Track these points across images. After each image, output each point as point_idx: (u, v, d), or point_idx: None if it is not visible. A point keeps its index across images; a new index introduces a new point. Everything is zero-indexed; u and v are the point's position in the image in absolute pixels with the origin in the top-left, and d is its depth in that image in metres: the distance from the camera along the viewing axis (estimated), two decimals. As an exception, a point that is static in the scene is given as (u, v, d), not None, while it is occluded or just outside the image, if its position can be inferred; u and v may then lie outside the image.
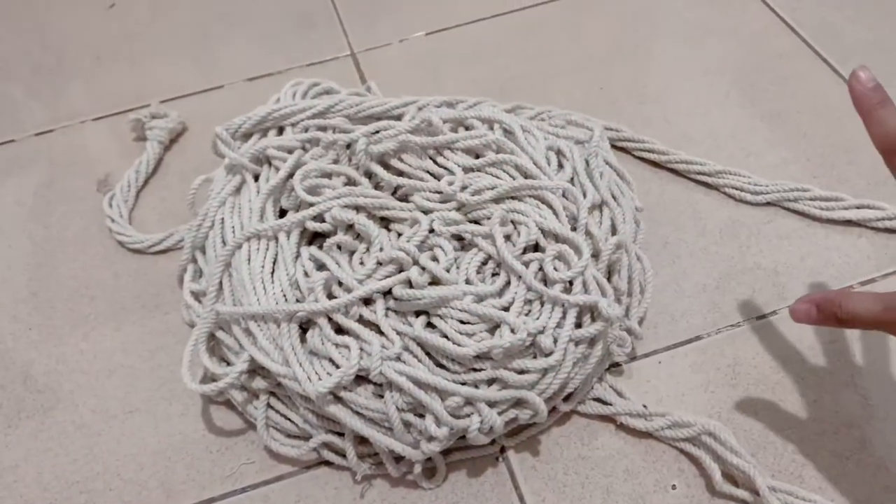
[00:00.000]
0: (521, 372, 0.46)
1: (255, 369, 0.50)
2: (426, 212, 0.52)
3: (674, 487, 0.48)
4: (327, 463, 0.50)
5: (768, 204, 0.62)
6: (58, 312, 0.60)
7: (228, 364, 0.51)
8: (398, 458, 0.49)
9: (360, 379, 0.47)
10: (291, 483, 0.50)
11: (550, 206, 0.51)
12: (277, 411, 0.51)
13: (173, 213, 0.66)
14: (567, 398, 0.50)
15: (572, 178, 0.54)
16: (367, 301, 0.49)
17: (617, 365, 0.54)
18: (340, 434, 0.49)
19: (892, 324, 0.39)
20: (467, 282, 0.48)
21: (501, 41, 0.79)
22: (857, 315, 0.40)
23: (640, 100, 0.71)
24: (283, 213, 0.55)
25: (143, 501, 0.50)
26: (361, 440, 0.49)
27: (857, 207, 0.60)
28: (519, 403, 0.47)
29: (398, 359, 0.46)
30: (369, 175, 0.55)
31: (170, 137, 0.71)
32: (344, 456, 0.49)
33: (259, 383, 0.50)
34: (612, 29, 0.79)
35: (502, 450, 0.50)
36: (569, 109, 0.67)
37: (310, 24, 0.82)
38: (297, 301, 0.49)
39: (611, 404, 0.51)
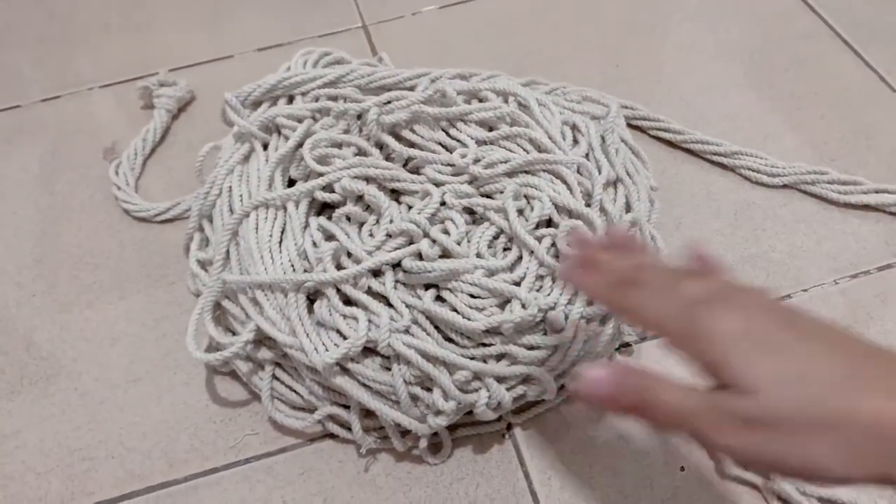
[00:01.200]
0: (531, 348, 0.45)
1: (261, 339, 0.49)
2: (438, 184, 0.51)
3: (682, 469, 0.47)
4: (332, 436, 0.50)
5: (785, 186, 0.61)
6: (62, 280, 0.59)
7: (234, 335, 0.51)
8: (404, 433, 0.48)
9: (368, 351, 0.46)
10: (295, 455, 0.49)
11: (565, 181, 0.50)
12: (283, 382, 0.50)
13: (180, 182, 0.65)
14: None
15: (587, 154, 0.53)
16: (376, 273, 0.48)
17: (627, 345, 0.53)
18: (346, 407, 0.48)
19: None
20: (478, 255, 0.48)
21: (516, 16, 0.77)
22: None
23: (656, 79, 0.70)
24: (291, 183, 0.54)
25: (146, 470, 0.49)
26: (367, 413, 0.48)
27: (876, 192, 0.59)
28: (527, 380, 0.46)
29: (407, 331, 0.45)
30: (380, 146, 0.54)
31: (178, 106, 0.70)
32: (349, 429, 0.48)
33: (265, 354, 0.49)
34: (629, 7, 0.77)
35: (509, 427, 0.50)
36: (584, 87, 0.66)
37: (321, -4, 0.81)
38: (305, 271, 0.48)
39: (620, 384, 0.50)
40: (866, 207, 0.59)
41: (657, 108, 0.66)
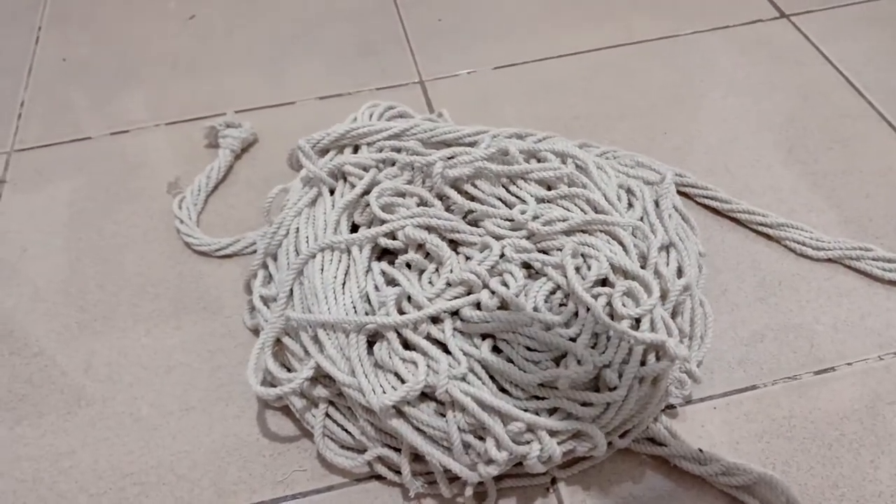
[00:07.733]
0: (584, 404, 0.46)
1: (317, 377, 0.51)
2: (497, 238, 0.53)
3: (726, 534, 0.48)
4: (379, 477, 0.51)
5: (829, 260, 0.62)
6: (122, 306, 0.61)
7: (289, 371, 0.52)
8: (451, 479, 0.49)
9: (424, 396, 0.47)
10: (342, 494, 0.50)
11: (621, 243, 0.52)
12: (335, 421, 0.51)
13: (239, 219, 0.68)
14: (623, 435, 0.50)
15: (642, 217, 0.55)
16: (435, 320, 0.49)
17: (672, 407, 0.54)
18: (396, 449, 0.49)
19: None
20: (535, 309, 0.49)
21: (567, 80, 0.80)
22: None
23: (703, 148, 0.72)
24: (354, 229, 0.57)
25: (195, 499, 0.50)
26: (416, 457, 0.49)
27: (920, 271, 0.60)
28: (577, 435, 0.47)
29: (464, 379, 0.46)
30: (441, 198, 0.56)
31: (241, 147, 0.73)
32: (397, 472, 0.49)
33: (320, 391, 0.51)
34: (678, 77, 0.80)
35: (553, 481, 0.50)
36: (632, 151, 0.68)
37: (381, 51, 0.85)
38: (366, 313, 0.50)
39: (665, 445, 0.51)
40: (911, 286, 0.60)
41: (703, 176, 0.68)
